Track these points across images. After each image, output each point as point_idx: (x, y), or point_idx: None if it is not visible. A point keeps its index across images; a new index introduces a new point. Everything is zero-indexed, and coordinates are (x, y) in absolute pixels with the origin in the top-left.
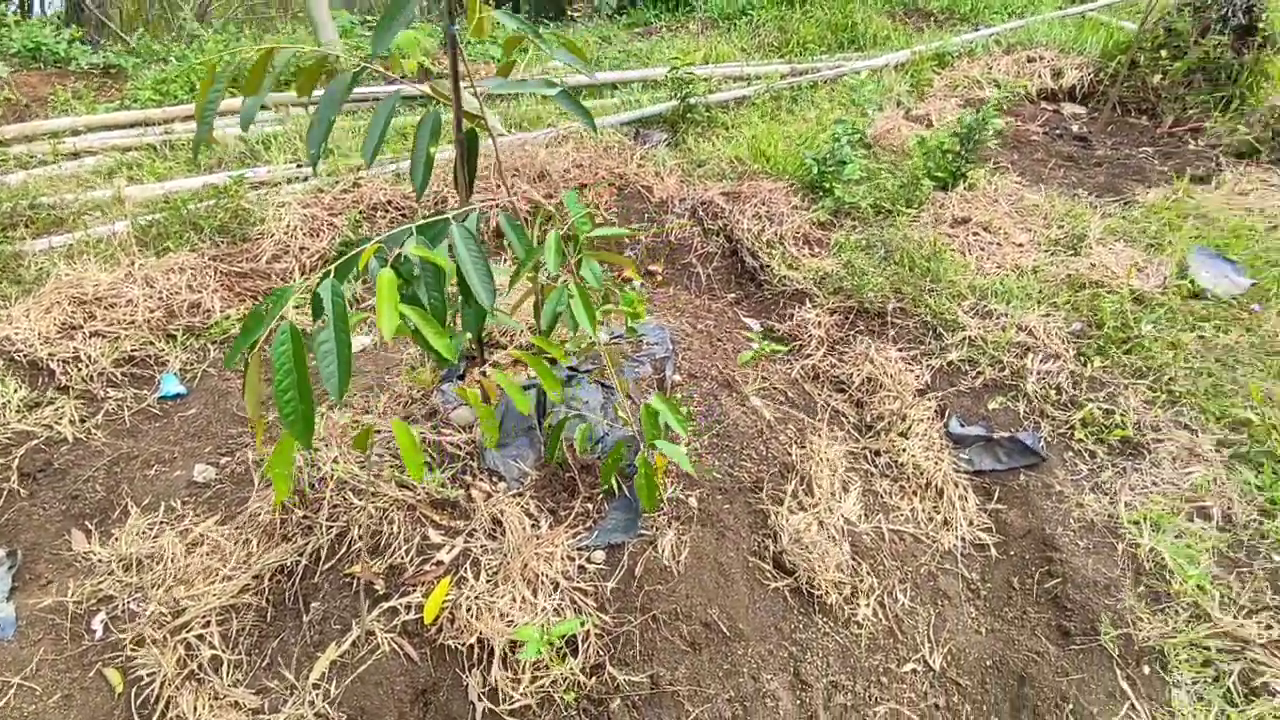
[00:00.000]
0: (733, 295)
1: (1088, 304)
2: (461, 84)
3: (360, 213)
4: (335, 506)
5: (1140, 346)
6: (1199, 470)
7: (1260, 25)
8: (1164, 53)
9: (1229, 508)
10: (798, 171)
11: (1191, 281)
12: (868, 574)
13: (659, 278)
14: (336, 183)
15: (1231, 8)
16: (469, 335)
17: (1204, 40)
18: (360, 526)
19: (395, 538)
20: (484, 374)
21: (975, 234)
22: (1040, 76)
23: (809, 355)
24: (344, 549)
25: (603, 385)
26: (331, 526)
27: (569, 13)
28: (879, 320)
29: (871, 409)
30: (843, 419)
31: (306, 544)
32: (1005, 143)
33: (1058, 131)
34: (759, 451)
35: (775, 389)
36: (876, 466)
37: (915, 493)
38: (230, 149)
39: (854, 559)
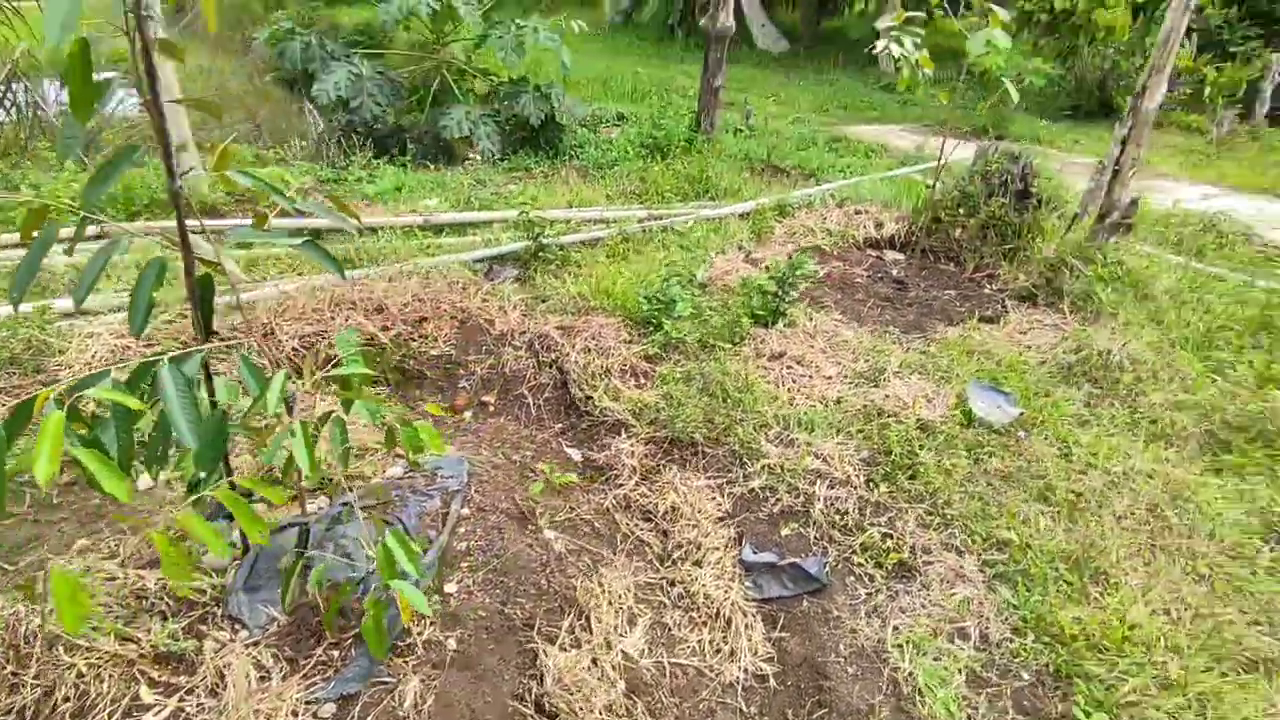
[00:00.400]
0: (559, 425)
1: (879, 433)
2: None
3: (180, 344)
4: (44, 662)
5: (921, 472)
6: (962, 591)
7: (1033, 190)
8: (962, 210)
9: (985, 627)
10: (634, 308)
11: (968, 412)
12: (642, 713)
13: (491, 408)
14: (163, 312)
15: (1010, 176)
16: (203, 472)
17: (990, 202)
18: (67, 685)
19: (103, 698)
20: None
21: (789, 367)
22: (865, 227)
23: (622, 484)
24: (49, 710)
25: (384, 522)
26: (37, 685)
27: (463, 157)
28: (691, 449)
29: (674, 538)
30: (646, 549)
31: (12, 703)
32: (834, 283)
33: (879, 275)
34: (539, 586)
35: (581, 519)
36: (670, 597)
37: (705, 623)
38: (60, 276)
39: (629, 697)
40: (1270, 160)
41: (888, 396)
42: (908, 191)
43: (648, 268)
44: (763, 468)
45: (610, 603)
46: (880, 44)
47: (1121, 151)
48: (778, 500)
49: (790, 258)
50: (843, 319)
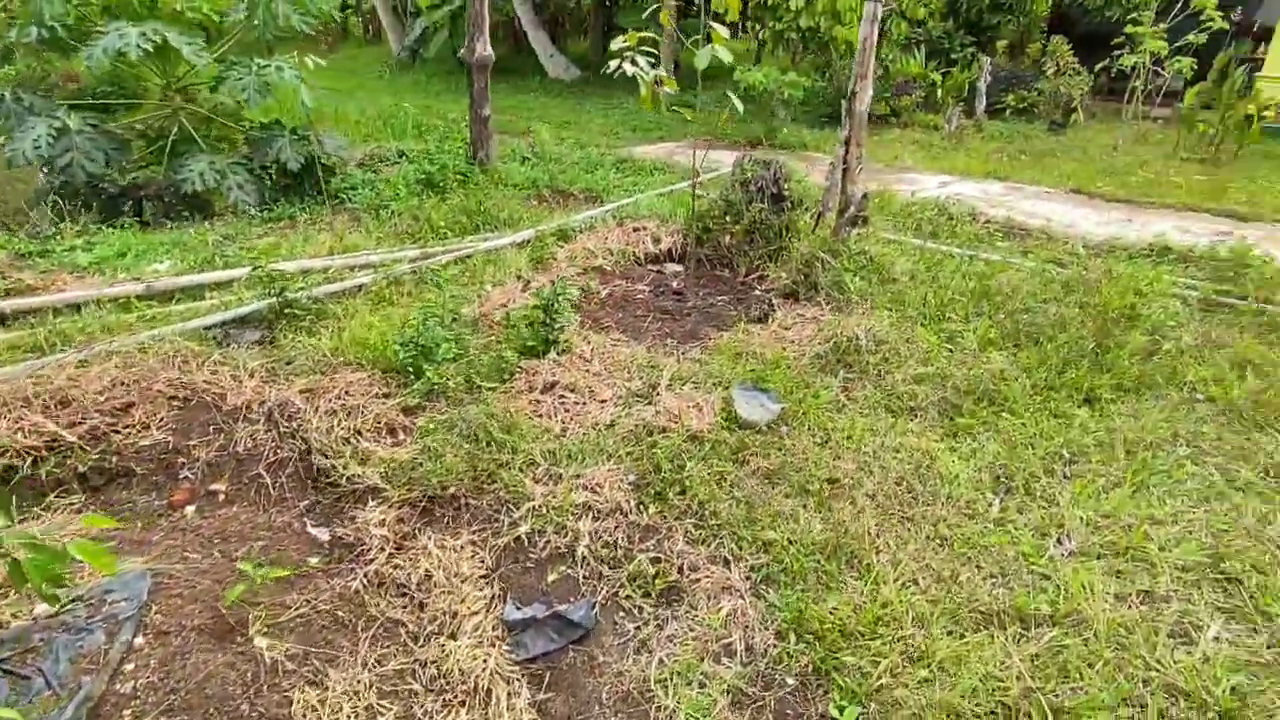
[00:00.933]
0: (305, 503)
1: (648, 451)
2: None
3: None
4: None
5: (689, 486)
6: (728, 603)
7: (786, 193)
8: (728, 218)
9: (751, 638)
10: (392, 358)
11: (733, 414)
12: None
13: (223, 496)
14: None
15: (765, 182)
16: None
17: (751, 208)
18: None
19: None
20: None
21: (562, 397)
22: (645, 244)
23: (372, 559)
24: None
25: (19, 677)
26: None
27: (211, 213)
28: (453, 505)
29: (429, 610)
30: (399, 629)
31: None
32: (615, 302)
33: (660, 288)
34: (238, 711)
35: (319, 612)
36: (422, 681)
37: (462, 703)
38: None
39: None
40: (991, 148)
41: (659, 412)
42: (680, 205)
43: (415, 312)
44: (528, 511)
45: (336, 711)
46: (613, 64)
47: (846, 151)
48: (545, 544)
49: (553, 283)
50: (622, 337)
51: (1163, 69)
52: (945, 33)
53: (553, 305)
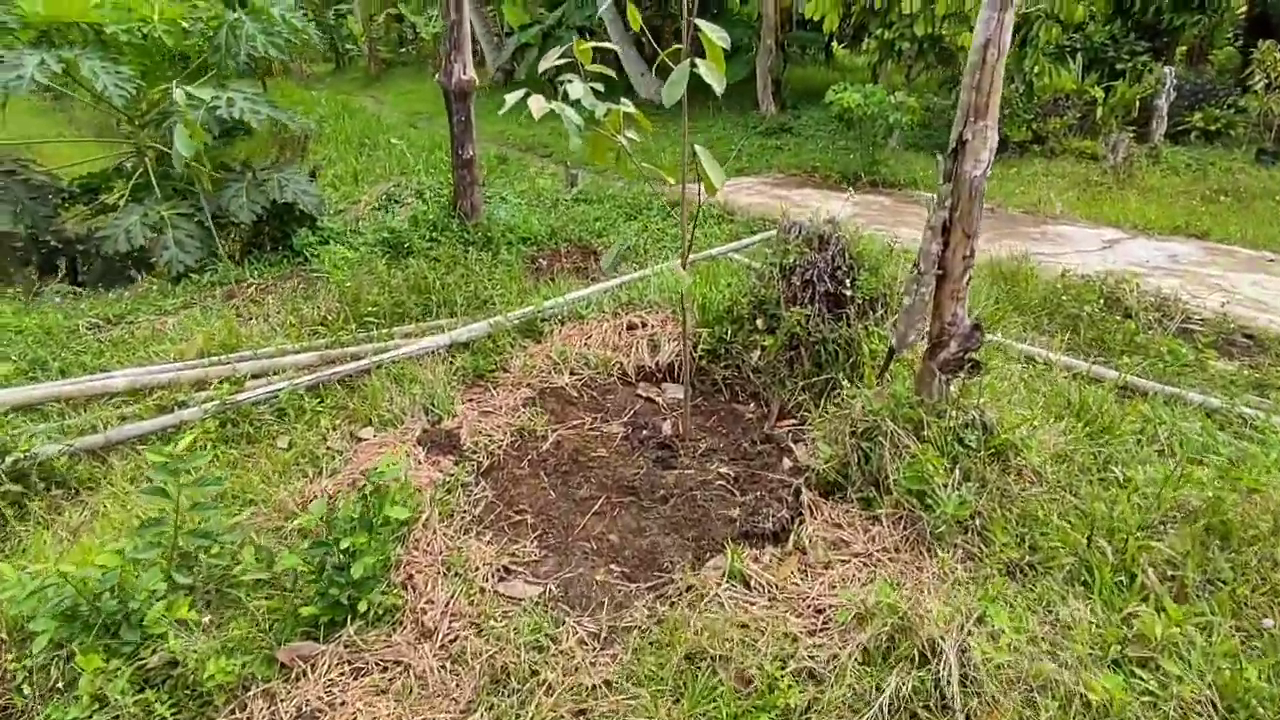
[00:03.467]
0: None
1: None
2: None
3: None
4: None
5: None
6: None
7: (851, 292)
8: (759, 322)
9: None
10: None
11: None
12: None
13: None
14: None
15: (818, 272)
16: None
17: (792, 311)
18: None
19: None
20: None
21: None
22: (640, 349)
23: None
24: None
25: None
26: None
27: (128, 277)
28: None
29: None
30: None
31: None
32: (558, 462)
33: (642, 434)
34: None
35: None
36: None
37: None
38: None
39: None
40: (1175, 186)
41: None
42: (716, 282)
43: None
44: None
45: None
46: (534, 103)
47: (945, 248)
48: None
49: (522, 415)
50: (529, 555)
51: None
52: (1111, 37)
53: (373, 521)
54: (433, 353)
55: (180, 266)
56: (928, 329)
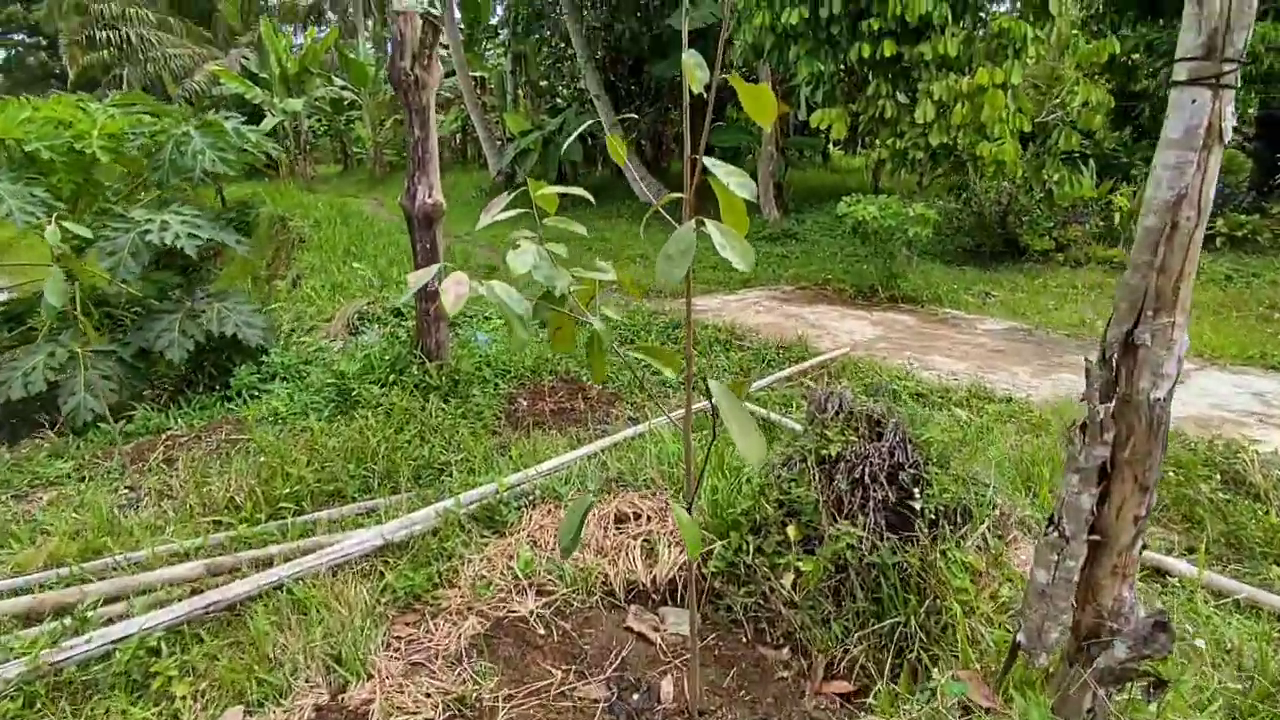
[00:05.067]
0: None
1: None
2: None
3: None
4: None
5: None
6: None
7: (918, 504)
8: (789, 530)
9: None
10: None
11: None
12: None
13: None
14: None
15: (872, 466)
16: None
17: (839, 523)
18: None
19: None
20: None
21: None
22: (630, 555)
23: None
24: None
25: None
26: None
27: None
28: None
29: None
30: None
31: None
32: None
33: (631, 703)
34: None
35: None
36: None
37: None
38: None
39: None
40: (1221, 301)
41: None
42: (727, 460)
43: None
44: None
45: None
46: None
47: (1103, 499)
48: None
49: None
50: None
51: None
52: (1122, 143)
53: None
54: (357, 560)
55: (88, 415)
56: (1072, 619)
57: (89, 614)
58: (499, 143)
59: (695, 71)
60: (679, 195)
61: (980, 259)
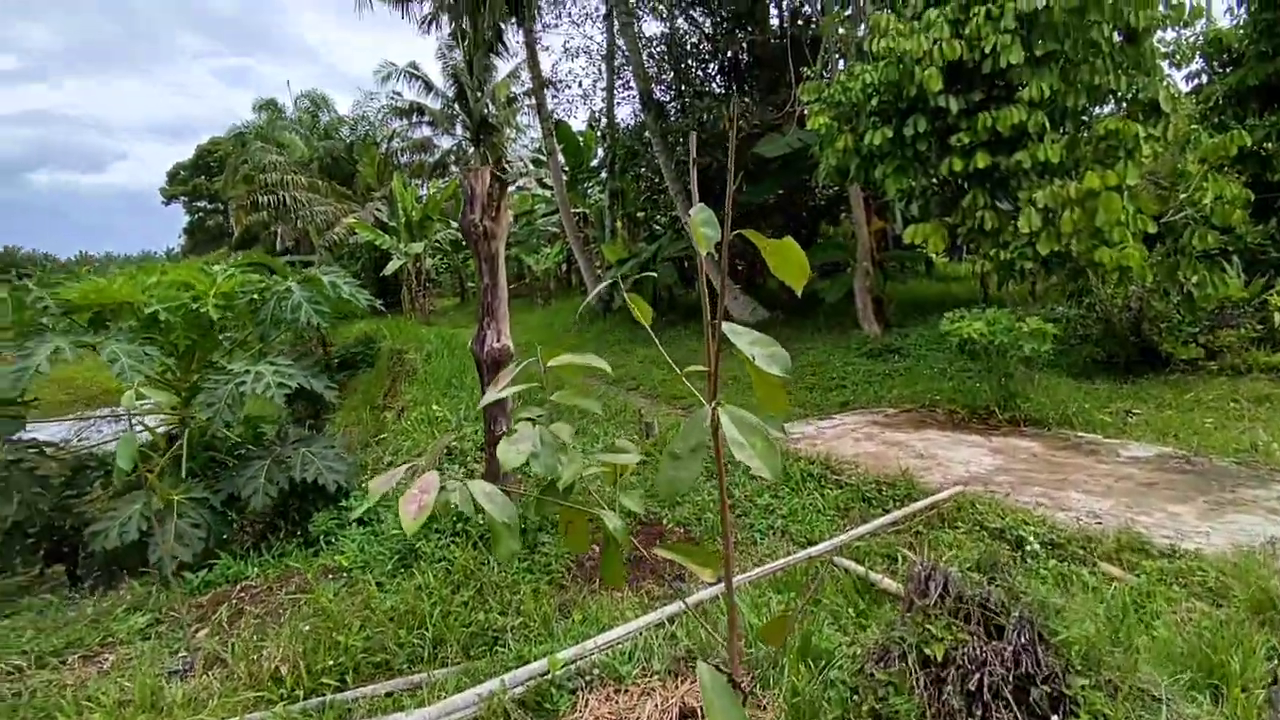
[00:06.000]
0: None
1: None
2: None
3: None
4: None
5: None
6: None
7: (1071, 694)
8: None
9: None
10: None
11: None
12: None
13: None
14: None
15: (987, 679)
16: None
17: None
18: None
19: None
20: None
21: None
22: None
23: None
24: None
25: None
26: None
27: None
28: None
29: None
30: None
31: None
32: None
33: None
34: None
35: None
36: None
37: None
38: None
39: None
40: None
41: None
42: (813, 635)
43: None
44: None
45: None
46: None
47: None
48: None
49: None
50: None
51: None
52: (1269, 237)
53: None
54: None
55: (173, 564)
56: None
57: None
58: (598, 272)
59: (702, 231)
60: (768, 315)
61: (1114, 371)
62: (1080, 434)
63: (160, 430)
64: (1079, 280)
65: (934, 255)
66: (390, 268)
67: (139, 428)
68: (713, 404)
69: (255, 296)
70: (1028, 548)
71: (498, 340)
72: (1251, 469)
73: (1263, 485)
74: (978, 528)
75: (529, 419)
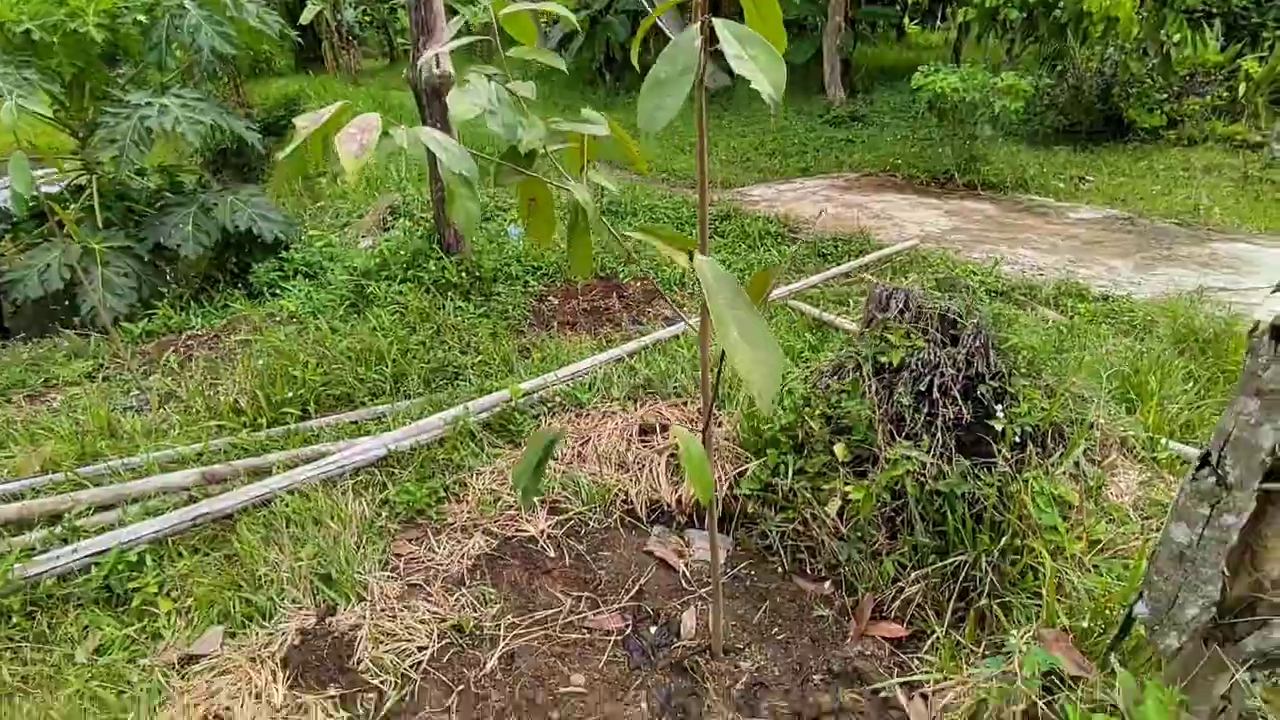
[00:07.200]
0: None
1: None
2: None
3: None
4: None
5: None
6: None
7: (1000, 424)
8: (839, 450)
9: None
10: None
11: None
12: None
13: None
14: None
15: (938, 382)
16: None
17: (896, 444)
18: None
19: None
20: None
21: None
22: (653, 470)
23: None
24: None
25: None
26: None
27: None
28: None
29: None
30: None
31: None
32: (509, 708)
33: (649, 638)
34: None
35: None
36: None
37: None
38: None
39: None
40: None
41: None
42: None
43: None
44: None
45: None
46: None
47: None
48: None
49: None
50: None
51: None
52: (1253, 2)
53: None
54: (358, 471)
55: (108, 314)
56: (1219, 591)
57: (78, 522)
58: (544, 27)
59: None
60: None
61: (1075, 139)
62: (1034, 197)
63: (66, 185)
64: (1059, 41)
65: (910, 20)
66: (306, 15)
67: (41, 182)
68: (702, 17)
69: (142, 18)
70: (976, 295)
71: (437, 65)
72: (1191, 229)
73: (1199, 244)
74: (930, 279)
75: (483, 73)
